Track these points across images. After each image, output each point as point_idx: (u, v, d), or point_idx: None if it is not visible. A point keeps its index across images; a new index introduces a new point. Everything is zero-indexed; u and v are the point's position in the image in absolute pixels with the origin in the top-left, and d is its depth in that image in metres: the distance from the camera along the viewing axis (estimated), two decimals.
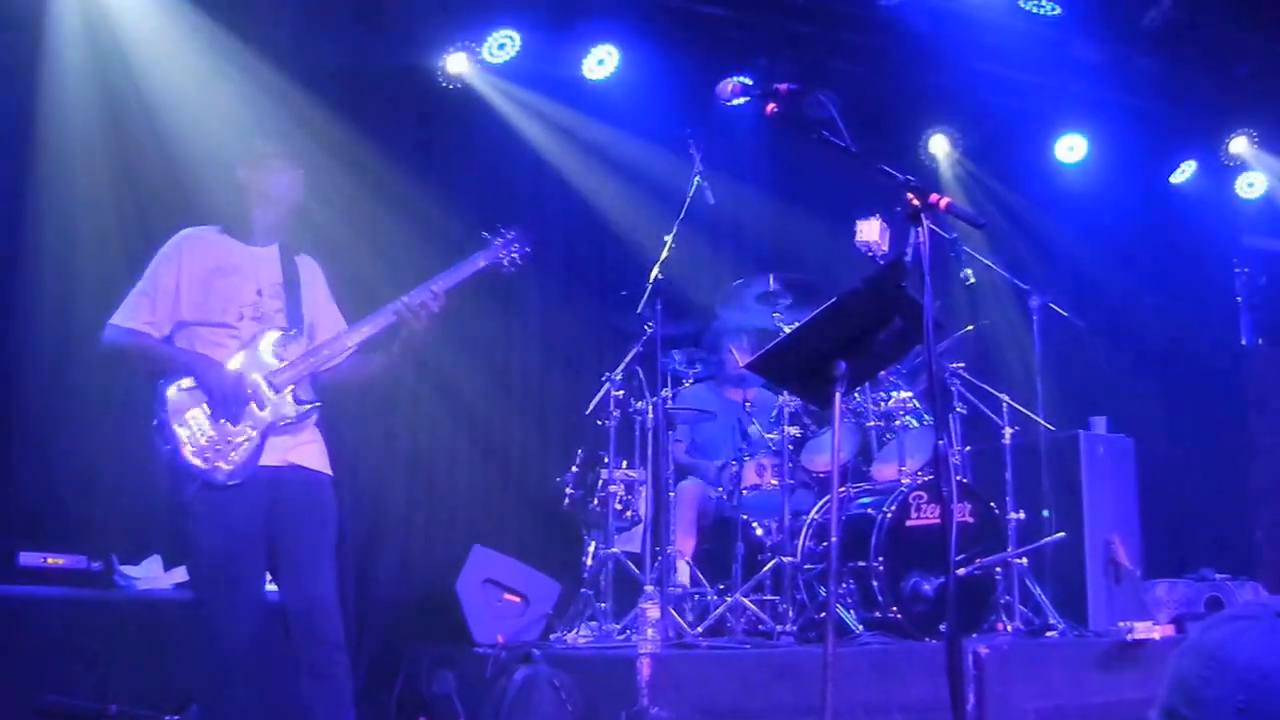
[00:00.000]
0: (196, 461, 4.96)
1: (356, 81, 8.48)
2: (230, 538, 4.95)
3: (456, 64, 8.83)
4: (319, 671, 4.97)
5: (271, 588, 5.21)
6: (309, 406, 5.24)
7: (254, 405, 5.09)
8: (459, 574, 7.73)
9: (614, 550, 7.21)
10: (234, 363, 5.12)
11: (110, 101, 7.72)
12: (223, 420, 5.02)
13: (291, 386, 5.20)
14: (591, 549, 7.57)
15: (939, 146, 10.67)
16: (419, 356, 5.49)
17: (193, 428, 5.01)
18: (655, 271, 7.16)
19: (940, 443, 4.37)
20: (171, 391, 5.04)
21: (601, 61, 9.19)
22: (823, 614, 6.63)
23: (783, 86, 4.83)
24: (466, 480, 8.89)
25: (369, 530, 8.37)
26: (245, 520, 5.00)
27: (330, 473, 5.33)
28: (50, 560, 6.65)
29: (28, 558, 6.63)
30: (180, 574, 6.85)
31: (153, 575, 6.99)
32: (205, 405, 5.03)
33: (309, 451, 5.26)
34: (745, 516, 7.53)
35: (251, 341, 5.18)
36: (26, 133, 7.46)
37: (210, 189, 5.44)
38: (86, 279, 7.28)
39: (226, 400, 5.03)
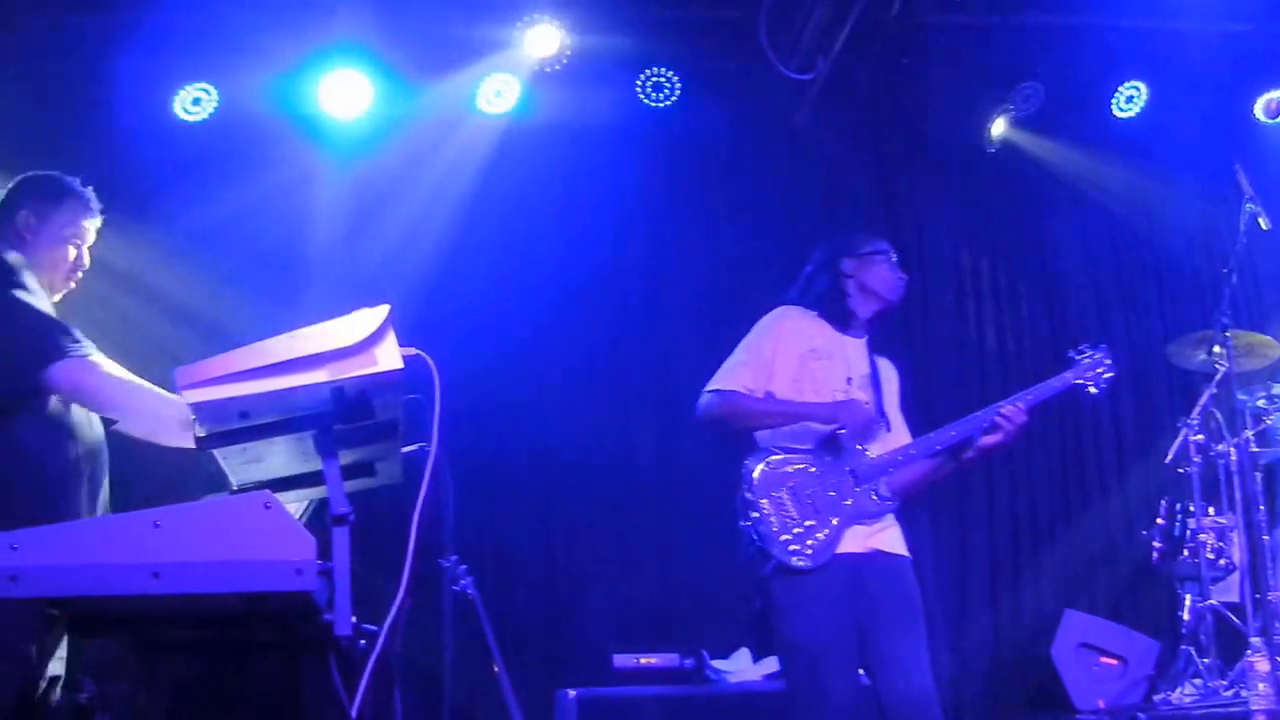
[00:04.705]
0: (777, 541, 4.94)
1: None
2: (819, 626, 4.90)
3: (999, 127, 8.81)
4: None
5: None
6: (889, 503, 5.14)
7: (835, 494, 5.03)
8: (1052, 640, 7.65)
9: (1211, 602, 6.96)
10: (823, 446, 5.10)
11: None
12: (808, 501, 4.98)
13: (879, 481, 5.14)
14: (1187, 603, 7.30)
15: None
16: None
17: (777, 506, 4.99)
18: (1221, 307, 6.89)
19: None
20: (758, 470, 5.03)
21: (1131, 99, 8.93)
22: None
23: None
24: (1049, 544, 8.74)
25: (959, 603, 8.39)
26: (831, 607, 4.93)
27: (909, 554, 5.22)
28: (643, 660, 7.00)
29: (622, 660, 7.00)
30: (770, 665, 7.08)
31: (742, 668, 7.21)
32: (789, 487, 5.00)
33: (889, 536, 5.15)
34: None
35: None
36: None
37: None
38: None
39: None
